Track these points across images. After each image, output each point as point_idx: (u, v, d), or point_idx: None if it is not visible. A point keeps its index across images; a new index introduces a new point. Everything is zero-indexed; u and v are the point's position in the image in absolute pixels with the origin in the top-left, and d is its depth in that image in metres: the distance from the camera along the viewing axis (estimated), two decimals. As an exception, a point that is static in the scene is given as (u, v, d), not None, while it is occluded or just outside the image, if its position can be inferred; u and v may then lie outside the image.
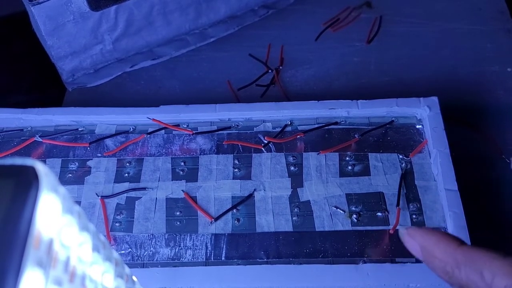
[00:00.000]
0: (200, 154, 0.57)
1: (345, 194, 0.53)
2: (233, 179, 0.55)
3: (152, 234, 0.52)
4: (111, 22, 0.65)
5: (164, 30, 0.70)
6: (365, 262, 0.49)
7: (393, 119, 0.59)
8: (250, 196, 0.54)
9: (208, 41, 0.73)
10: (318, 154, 0.56)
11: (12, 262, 0.19)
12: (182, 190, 0.54)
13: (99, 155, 0.58)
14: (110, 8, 0.64)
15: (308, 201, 0.53)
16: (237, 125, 0.60)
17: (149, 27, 0.69)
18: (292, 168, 0.56)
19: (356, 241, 0.50)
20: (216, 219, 0.52)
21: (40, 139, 0.58)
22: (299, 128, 0.59)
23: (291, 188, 0.54)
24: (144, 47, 0.71)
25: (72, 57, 0.66)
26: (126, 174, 0.56)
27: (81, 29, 0.64)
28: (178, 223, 0.53)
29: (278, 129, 0.59)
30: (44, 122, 0.60)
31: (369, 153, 0.56)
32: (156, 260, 0.50)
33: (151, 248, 0.51)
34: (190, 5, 0.70)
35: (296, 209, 0.53)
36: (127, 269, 0.33)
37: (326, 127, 0.58)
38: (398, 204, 0.52)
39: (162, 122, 0.59)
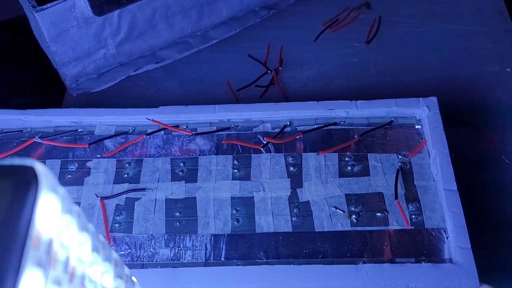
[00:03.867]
0: (199, 155, 0.57)
1: (345, 194, 0.53)
2: (232, 179, 0.55)
3: (152, 235, 0.52)
4: (114, 27, 0.65)
5: (166, 33, 0.70)
6: (364, 262, 0.49)
7: (392, 119, 0.59)
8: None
9: (210, 43, 0.73)
10: (317, 154, 0.56)
11: (12, 262, 0.19)
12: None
13: (99, 156, 0.58)
14: (113, 13, 0.64)
15: (308, 202, 0.53)
16: (236, 125, 0.60)
17: (152, 30, 0.69)
18: (291, 168, 0.56)
19: (356, 241, 0.50)
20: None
21: (39, 140, 0.58)
22: (299, 128, 0.59)
23: (291, 188, 0.54)
24: (147, 50, 0.71)
25: (75, 63, 0.66)
26: (126, 175, 0.56)
27: (85, 34, 0.64)
28: (177, 223, 0.53)
29: (278, 130, 0.59)
30: (43, 123, 0.60)
31: (368, 154, 0.56)
32: (156, 261, 0.50)
33: (151, 249, 0.51)
34: (192, 7, 0.70)
35: (295, 210, 0.53)
36: (126, 270, 0.33)
37: (326, 128, 0.58)
38: (396, 197, 0.52)
39: (161, 123, 0.59)
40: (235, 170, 0.56)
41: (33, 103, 0.71)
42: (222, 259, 0.50)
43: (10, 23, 0.80)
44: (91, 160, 0.57)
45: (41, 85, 0.75)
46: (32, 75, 0.76)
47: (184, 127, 0.60)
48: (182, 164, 0.57)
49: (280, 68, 0.71)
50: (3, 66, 0.77)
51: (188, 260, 0.50)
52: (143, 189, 0.55)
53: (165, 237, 0.52)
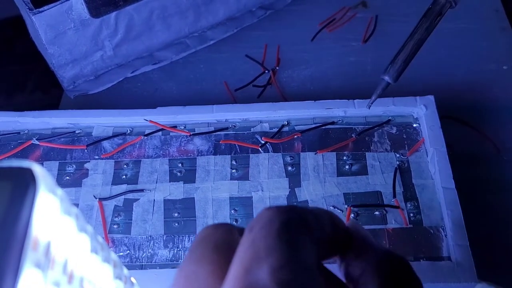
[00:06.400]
0: (197, 155, 0.57)
1: (343, 193, 0.54)
2: (230, 179, 0.55)
3: (150, 236, 0.52)
4: (111, 28, 0.65)
5: (164, 34, 0.70)
6: (363, 261, 0.49)
7: (390, 118, 0.59)
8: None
9: (207, 43, 0.73)
10: (315, 154, 0.56)
11: (10, 264, 0.19)
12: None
13: (97, 157, 0.58)
14: (110, 15, 0.63)
15: (306, 201, 0.53)
16: (234, 126, 0.60)
17: (148, 31, 0.69)
18: (289, 168, 0.56)
19: (354, 240, 0.50)
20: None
21: (37, 142, 0.58)
22: (296, 128, 0.59)
23: (289, 188, 0.54)
24: (144, 51, 0.71)
25: (72, 65, 0.66)
26: (124, 176, 0.56)
27: (82, 36, 0.63)
28: (176, 224, 0.53)
29: (275, 130, 0.59)
30: (41, 125, 0.60)
31: (366, 153, 0.56)
32: (155, 262, 0.50)
33: (150, 250, 0.51)
34: (189, 8, 0.70)
35: (294, 209, 0.53)
36: (125, 271, 0.33)
37: (323, 127, 0.59)
38: (394, 196, 0.52)
39: (159, 124, 0.59)
40: (233, 170, 0.56)
41: (36, 100, 0.71)
42: (221, 259, 0.50)
43: (14, 20, 0.79)
44: (89, 161, 0.57)
45: (44, 82, 0.75)
46: (35, 72, 0.76)
47: (182, 127, 0.60)
48: (180, 165, 0.57)
49: (277, 68, 0.71)
50: (7, 63, 0.77)
51: (187, 261, 0.50)
52: (142, 190, 0.55)
53: (164, 238, 0.52)
